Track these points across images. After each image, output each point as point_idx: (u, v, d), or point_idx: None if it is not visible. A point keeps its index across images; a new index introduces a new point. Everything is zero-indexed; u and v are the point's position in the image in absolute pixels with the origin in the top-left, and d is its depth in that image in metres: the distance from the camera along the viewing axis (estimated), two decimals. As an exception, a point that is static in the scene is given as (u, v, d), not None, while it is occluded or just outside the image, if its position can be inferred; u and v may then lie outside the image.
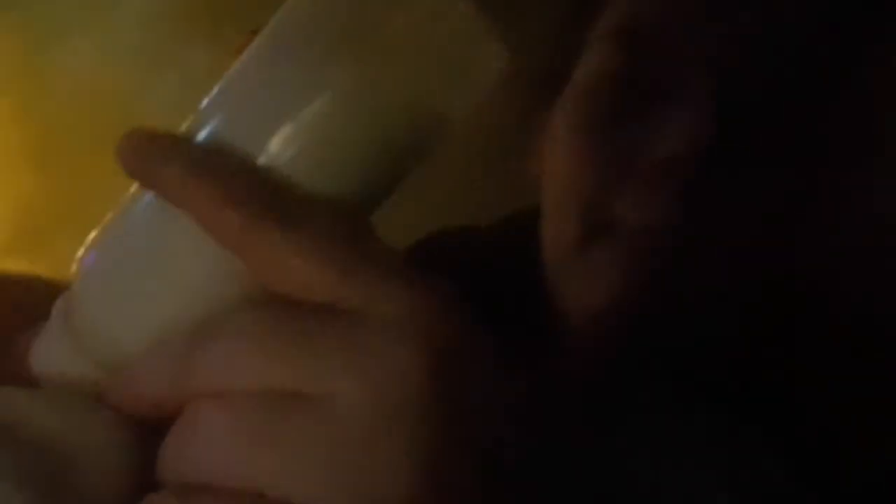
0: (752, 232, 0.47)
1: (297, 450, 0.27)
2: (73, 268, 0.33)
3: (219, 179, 0.29)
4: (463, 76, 0.33)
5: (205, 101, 0.33)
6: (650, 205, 0.44)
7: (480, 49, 0.33)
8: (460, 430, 0.28)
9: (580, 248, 0.46)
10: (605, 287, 0.46)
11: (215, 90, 0.33)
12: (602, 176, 0.45)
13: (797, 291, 0.52)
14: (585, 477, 0.32)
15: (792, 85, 0.46)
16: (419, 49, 0.32)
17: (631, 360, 0.46)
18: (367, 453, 0.27)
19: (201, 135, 0.32)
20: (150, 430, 0.30)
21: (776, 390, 0.48)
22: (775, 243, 0.49)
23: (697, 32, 0.46)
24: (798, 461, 0.42)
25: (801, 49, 0.47)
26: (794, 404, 0.47)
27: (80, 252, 0.33)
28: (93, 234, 0.33)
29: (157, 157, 0.31)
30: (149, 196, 0.31)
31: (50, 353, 0.33)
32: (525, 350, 0.36)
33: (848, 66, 0.47)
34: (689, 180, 0.44)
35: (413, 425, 0.27)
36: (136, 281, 0.32)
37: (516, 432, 0.30)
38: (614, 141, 0.45)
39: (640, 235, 0.45)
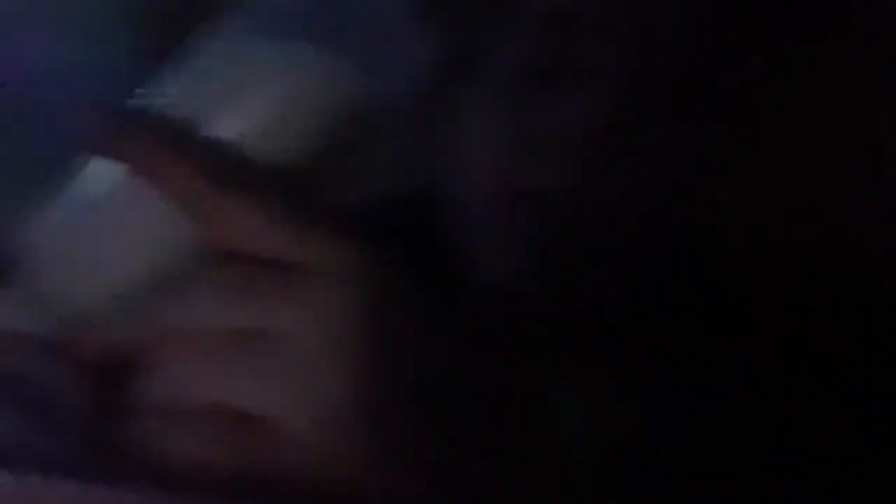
0: (657, 194, 0.50)
1: (254, 372, 0.32)
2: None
3: (179, 152, 0.34)
4: (395, 62, 0.38)
5: (167, 84, 0.36)
6: (559, 172, 0.48)
7: (408, 35, 0.38)
8: (390, 357, 0.33)
9: (500, 212, 0.50)
10: (520, 246, 0.49)
11: (176, 73, 0.36)
12: (514, 147, 0.49)
13: (697, 246, 0.55)
14: (491, 396, 0.36)
15: (688, 70, 0.50)
16: (355, 36, 0.36)
17: (542, 308, 0.50)
18: (311, 374, 0.32)
19: (165, 113, 0.35)
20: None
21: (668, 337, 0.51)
22: (677, 205, 0.52)
23: (606, 23, 0.49)
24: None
25: (693, 42, 0.50)
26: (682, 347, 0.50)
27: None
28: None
29: (126, 133, 0.35)
30: (109, 167, 0.35)
31: None
32: (449, 298, 0.41)
33: (734, 56, 0.50)
34: (594, 150, 0.47)
35: (349, 352, 0.32)
36: (98, 244, 0.35)
37: (439, 358, 0.34)
38: (520, 115, 0.49)
39: (551, 198, 0.48)
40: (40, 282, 0.35)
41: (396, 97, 0.39)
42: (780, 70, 0.50)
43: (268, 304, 0.33)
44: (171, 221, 0.35)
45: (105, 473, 0.35)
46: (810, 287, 0.53)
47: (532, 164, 0.49)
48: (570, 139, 0.48)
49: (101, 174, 0.36)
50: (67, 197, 0.36)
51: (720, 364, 0.49)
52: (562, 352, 0.47)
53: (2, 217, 0.40)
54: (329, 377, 0.32)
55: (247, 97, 0.36)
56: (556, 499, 0.35)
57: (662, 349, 0.49)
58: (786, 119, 0.51)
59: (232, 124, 0.35)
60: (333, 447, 0.32)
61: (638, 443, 0.38)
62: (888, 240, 0.53)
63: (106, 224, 0.36)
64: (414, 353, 0.34)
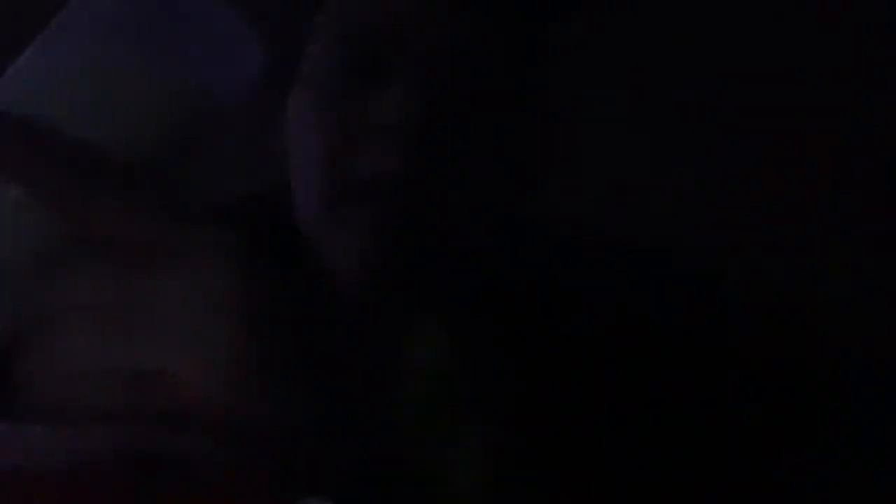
0: (476, 179, 0.58)
1: (145, 334, 0.34)
2: None
3: (38, 149, 0.34)
4: (227, 63, 0.39)
5: (8, 82, 0.36)
6: (379, 163, 0.56)
7: (241, 43, 0.39)
8: (261, 314, 0.35)
9: (331, 203, 0.58)
10: (356, 232, 0.57)
11: (20, 72, 0.36)
12: (336, 145, 0.57)
13: (530, 223, 0.63)
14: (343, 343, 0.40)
15: (495, 61, 0.58)
16: (186, 41, 0.37)
17: (386, 290, 0.57)
18: (197, 331, 0.34)
19: (11, 107, 0.35)
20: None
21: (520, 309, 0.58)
22: (498, 187, 0.59)
23: (405, 24, 0.58)
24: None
25: (500, 37, 0.59)
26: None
27: None
28: None
29: None
30: None
31: None
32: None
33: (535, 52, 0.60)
34: (412, 139, 0.55)
35: (226, 309, 0.34)
36: None
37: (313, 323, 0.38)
38: (343, 117, 0.57)
39: (377, 186, 0.56)
40: None
41: (233, 99, 0.40)
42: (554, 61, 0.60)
43: (147, 277, 0.34)
44: (33, 213, 0.34)
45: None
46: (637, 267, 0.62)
47: (355, 156, 0.56)
48: (385, 132, 0.55)
49: None
50: None
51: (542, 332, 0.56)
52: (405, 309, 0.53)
53: None
54: (212, 333, 0.34)
55: (88, 97, 0.36)
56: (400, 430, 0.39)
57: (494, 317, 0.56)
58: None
59: (77, 122, 0.35)
60: (217, 392, 0.34)
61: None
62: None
63: None
64: (278, 311, 0.36)
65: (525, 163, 0.63)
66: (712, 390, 0.57)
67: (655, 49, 1.10)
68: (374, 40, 0.58)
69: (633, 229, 0.69)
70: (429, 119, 0.56)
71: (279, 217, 0.62)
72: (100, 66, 0.36)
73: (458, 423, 0.41)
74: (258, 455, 0.36)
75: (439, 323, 0.51)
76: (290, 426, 0.36)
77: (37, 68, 0.37)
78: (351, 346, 0.40)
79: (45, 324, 0.34)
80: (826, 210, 0.99)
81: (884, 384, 0.68)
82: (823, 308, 0.87)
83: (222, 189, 0.55)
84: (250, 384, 0.35)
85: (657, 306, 0.60)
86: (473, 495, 0.41)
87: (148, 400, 0.34)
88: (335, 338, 0.39)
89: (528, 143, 0.62)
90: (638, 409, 0.54)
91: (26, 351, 0.35)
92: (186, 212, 0.36)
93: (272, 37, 0.45)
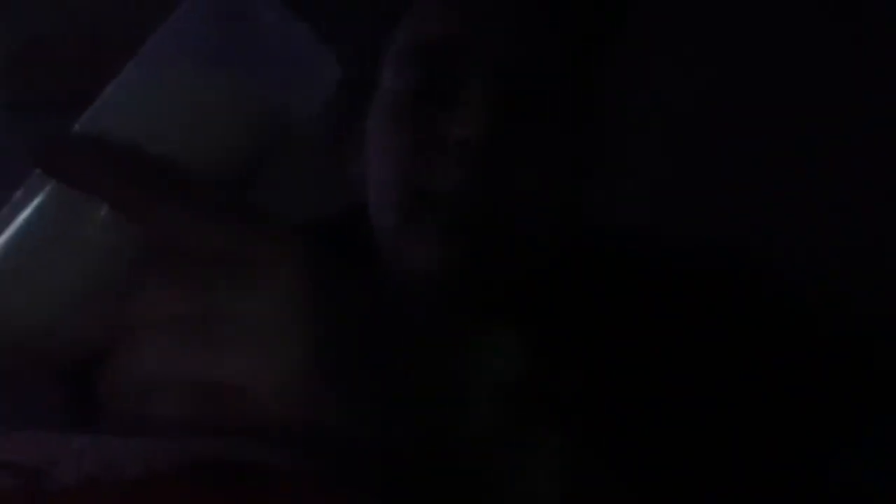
0: (545, 187, 0.59)
1: (220, 348, 0.34)
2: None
3: (123, 168, 0.35)
4: (305, 84, 0.40)
5: (100, 104, 0.37)
6: (453, 177, 0.58)
7: (318, 64, 0.40)
8: (340, 333, 0.36)
9: (407, 218, 0.60)
10: (428, 247, 0.59)
11: (109, 95, 0.38)
12: (411, 160, 0.59)
13: (587, 231, 0.64)
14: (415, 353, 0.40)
15: (557, 76, 0.60)
16: (267, 63, 0.38)
17: (454, 298, 0.59)
18: (271, 352, 0.35)
19: (104, 129, 0.36)
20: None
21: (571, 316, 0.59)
22: (565, 194, 0.61)
23: (474, 45, 0.60)
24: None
25: (560, 52, 0.60)
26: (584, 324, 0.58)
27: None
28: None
29: (67, 155, 0.35)
30: (48, 184, 0.35)
31: None
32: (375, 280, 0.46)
33: (594, 63, 0.61)
34: (481, 155, 0.57)
35: (301, 323, 0.35)
36: (35, 259, 0.35)
37: (372, 326, 0.38)
38: (417, 133, 0.59)
39: (450, 201, 0.58)
40: None
41: (310, 118, 0.40)
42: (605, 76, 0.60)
43: (223, 291, 0.35)
44: (112, 228, 0.35)
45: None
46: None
47: (429, 171, 0.58)
48: (455, 148, 0.57)
49: (35, 191, 0.36)
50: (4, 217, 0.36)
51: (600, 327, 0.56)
52: (471, 318, 0.54)
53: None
54: (284, 347, 0.35)
55: (175, 119, 0.37)
56: (477, 432, 0.39)
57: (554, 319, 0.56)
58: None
59: (163, 143, 0.36)
60: (293, 404, 0.35)
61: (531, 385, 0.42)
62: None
63: (40, 238, 0.35)
64: (351, 323, 0.37)
65: (588, 171, 0.64)
66: (784, 394, 0.57)
67: (708, 57, 1.10)
68: (443, 60, 0.60)
69: (693, 232, 0.70)
70: (496, 133, 0.58)
71: (353, 234, 0.64)
72: (185, 88, 0.37)
73: (529, 431, 0.41)
74: (332, 466, 0.36)
75: (511, 330, 0.51)
76: (364, 437, 0.36)
77: (128, 92, 0.38)
78: (423, 358, 0.40)
79: (126, 337, 0.35)
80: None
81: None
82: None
83: (299, 206, 0.57)
84: (324, 397, 0.35)
85: (722, 309, 0.61)
86: None
87: (224, 412, 0.35)
88: (407, 349, 0.39)
89: (589, 152, 0.63)
90: (716, 414, 0.54)
91: (107, 363, 0.35)
92: (264, 228, 0.36)
93: (350, 58, 0.47)
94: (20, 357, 0.36)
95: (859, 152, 1.14)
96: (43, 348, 0.36)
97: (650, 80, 0.99)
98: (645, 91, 0.92)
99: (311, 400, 0.35)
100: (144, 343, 0.35)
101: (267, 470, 0.37)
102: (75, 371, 0.36)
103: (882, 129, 1.11)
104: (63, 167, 0.35)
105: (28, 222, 0.36)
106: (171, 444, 0.38)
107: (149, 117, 0.37)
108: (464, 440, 0.38)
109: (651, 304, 0.61)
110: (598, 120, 0.64)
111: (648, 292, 0.61)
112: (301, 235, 0.36)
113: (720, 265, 0.64)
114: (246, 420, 0.35)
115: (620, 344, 0.57)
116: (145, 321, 0.35)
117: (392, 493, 0.37)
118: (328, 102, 0.41)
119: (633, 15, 0.64)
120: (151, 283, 0.35)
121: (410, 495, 0.37)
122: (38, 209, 0.36)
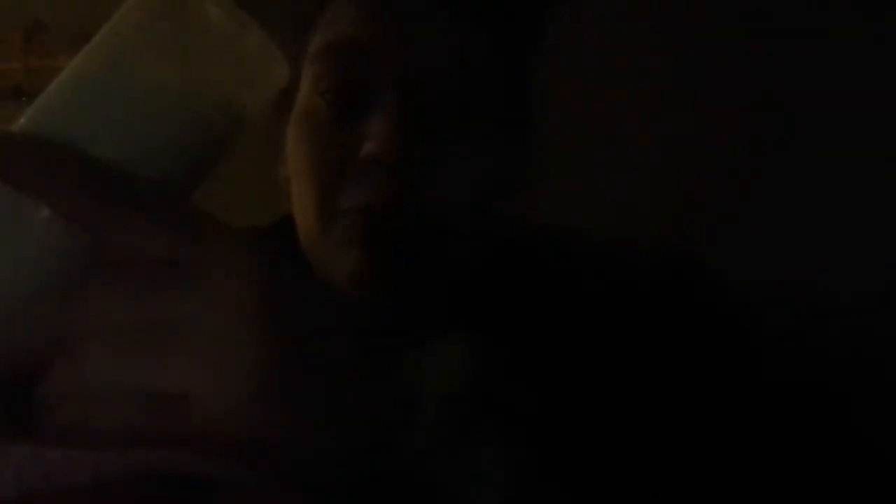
0: (465, 195, 0.59)
1: (166, 357, 0.33)
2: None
3: (68, 171, 0.34)
4: (257, 82, 0.39)
5: (44, 103, 0.36)
6: (365, 190, 0.57)
7: (267, 61, 0.39)
8: (288, 341, 0.35)
9: (323, 230, 0.59)
10: (346, 258, 0.58)
11: (54, 94, 0.36)
12: (325, 172, 0.58)
13: (520, 234, 0.64)
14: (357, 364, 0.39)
15: (474, 81, 0.59)
16: (223, 62, 0.38)
17: (385, 306, 0.58)
18: (219, 360, 0.34)
19: (47, 133, 0.35)
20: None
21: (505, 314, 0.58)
22: (490, 202, 0.61)
23: (384, 48, 0.58)
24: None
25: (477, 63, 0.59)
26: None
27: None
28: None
29: (10, 155, 0.34)
30: None
31: None
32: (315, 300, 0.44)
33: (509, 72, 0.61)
34: (393, 167, 0.56)
35: (247, 331, 0.34)
36: None
37: (329, 346, 0.38)
38: (330, 147, 0.58)
39: (363, 213, 0.57)
40: None
41: (259, 117, 0.40)
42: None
43: (169, 297, 0.34)
44: (53, 231, 0.34)
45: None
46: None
47: (339, 183, 0.58)
48: (369, 163, 0.56)
49: None
50: None
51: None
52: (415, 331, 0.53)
53: None
54: (229, 356, 0.34)
55: (120, 117, 0.36)
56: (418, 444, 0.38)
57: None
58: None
59: (107, 142, 0.35)
60: (238, 415, 0.34)
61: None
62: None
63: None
64: (302, 334, 0.36)
65: (512, 177, 0.63)
66: (740, 406, 0.57)
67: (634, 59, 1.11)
68: (353, 63, 0.59)
69: (627, 235, 0.70)
70: (410, 146, 0.56)
71: (296, 240, 0.62)
72: (127, 86, 0.36)
73: (473, 442, 0.41)
74: (278, 478, 0.36)
75: (454, 341, 0.51)
76: (310, 448, 0.36)
77: (72, 89, 0.37)
78: (364, 367, 0.39)
79: (68, 345, 0.34)
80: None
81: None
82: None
83: (246, 210, 0.56)
84: (271, 406, 0.35)
85: (664, 314, 0.60)
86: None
87: (169, 422, 0.34)
88: (350, 359, 0.39)
89: (510, 158, 0.63)
90: (663, 421, 0.54)
91: (49, 372, 0.34)
92: (210, 233, 0.35)
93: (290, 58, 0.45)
94: None
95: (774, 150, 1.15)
96: None
97: (572, 81, 0.99)
98: (567, 91, 0.92)
99: (256, 410, 0.35)
100: (88, 351, 0.34)
101: (212, 482, 0.37)
102: (15, 380, 0.35)
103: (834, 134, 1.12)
104: (1, 166, 0.34)
105: None
106: (114, 456, 0.37)
107: (93, 116, 0.36)
108: (409, 451, 0.38)
109: (590, 310, 0.60)
110: (517, 123, 0.63)
111: (587, 299, 0.61)
112: (248, 241, 0.35)
113: (660, 269, 0.64)
114: (191, 430, 0.34)
115: (563, 352, 0.56)
116: (88, 328, 0.34)
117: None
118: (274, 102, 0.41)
119: (551, 18, 0.63)
120: (94, 289, 0.34)
121: None
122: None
